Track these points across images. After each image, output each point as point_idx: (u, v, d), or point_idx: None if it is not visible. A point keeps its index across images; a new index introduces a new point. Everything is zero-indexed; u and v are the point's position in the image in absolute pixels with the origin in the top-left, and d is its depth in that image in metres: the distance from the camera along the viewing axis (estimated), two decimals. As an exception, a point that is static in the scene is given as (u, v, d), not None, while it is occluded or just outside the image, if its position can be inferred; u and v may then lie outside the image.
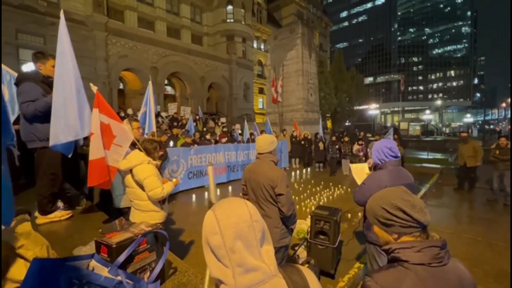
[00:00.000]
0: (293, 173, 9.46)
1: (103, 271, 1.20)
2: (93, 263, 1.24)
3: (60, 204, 2.84)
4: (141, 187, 2.15)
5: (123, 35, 15.49)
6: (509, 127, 36.87)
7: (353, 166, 2.78)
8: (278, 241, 2.16)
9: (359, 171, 2.63)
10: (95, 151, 2.30)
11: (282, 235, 2.18)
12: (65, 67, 2.37)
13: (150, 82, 5.34)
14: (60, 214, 2.76)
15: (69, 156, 2.65)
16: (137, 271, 1.38)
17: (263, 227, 0.66)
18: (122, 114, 11.23)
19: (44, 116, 2.49)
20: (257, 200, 2.21)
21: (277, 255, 2.22)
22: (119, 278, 1.19)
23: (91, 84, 2.45)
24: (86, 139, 3.01)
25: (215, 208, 0.66)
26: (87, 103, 2.54)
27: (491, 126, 48.72)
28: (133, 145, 2.46)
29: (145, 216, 2.18)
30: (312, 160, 10.63)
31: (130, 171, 2.19)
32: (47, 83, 2.62)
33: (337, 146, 9.31)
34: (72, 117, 2.38)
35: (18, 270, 1.38)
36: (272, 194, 2.12)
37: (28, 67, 10.62)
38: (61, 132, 2.36)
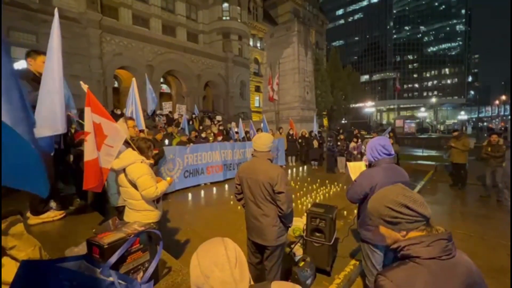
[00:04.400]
0: (289, 171, 9.48)
1: (95, 272, 1.18)
2: (84, 264, 1.22)
3: (53, 204, 2.80)
4: (135, 186, 2.12)
5: (117, 33, 15.27)
6: (503, 123, 37.39)
7: (350, 164, 2.78)
8: (276, 239, 2.16)
9: (356, 169, 2.61)
10: (90, 152, 2.23)
11: (279, 233, 2.18)
12: (52, 62, 2.35)
13: (133, 79, 5.22)
14: (53, 214, 2.71)
15: (51, 154, 2.61)
16: (130, 272, 1.36)
17: (237, 254, 0.77)
18: (119, 112, 11.12)
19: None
20: (255, 199, 2.19)
21: (275, 254, 2.22)
22: (111, 279, 1.17)
23: (81, 82, 2.39)
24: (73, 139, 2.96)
25: (197, 250, 0.79)
26: (64, 101, 2.49)
27: (485, 124, 49.33)
28: (127, 143, 2.42)
29: (139, 215, 2.16)
30: (309, 158, 10.66)
31: (124, 170, 2.16)
32: (37, 81, 2.57)
33: (338, 143, 9.33)
34: (53, 111, 2.34)
35: (9, 272, 1.35)
36: (271, 193, 2.10)
37: (20, 65, 10.43)
38: (40, 126, 2.29)
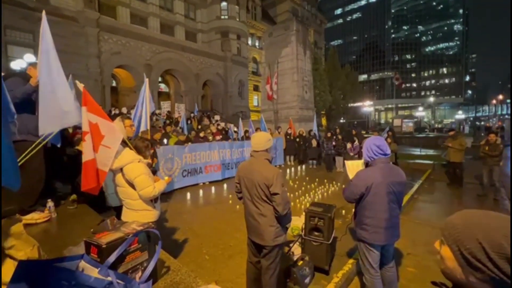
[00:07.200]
0: (288, 170, 9.50)
1: (93, 272, 1.18)
2: (82, 264, 1.21)
3: (50, 204, 2.78)
4: (132, 186, 2.12)
5: (115, 32, 15.22)
6: (500, 123, 37.63)
7: (348, 163, 2.78)
8: (273, 239, 2.14)
9: (354, 168, 2.62)
10: (88, 152, 2.21)
11: (277, 233, 2.15)
12: (50, 63, 2.39)
13: (147, 80, 5.25)
14: (37, 216, 2.62)
15: (58, 145, 2.72)
16: (128, 271, 1.36)
17: None
18: (117, 112, 11.09)
19: (24, 107, 2.48)
20: (252, 198, 2.18)
21: (272, 254, 2.21)
22: (109, 278, 1.17)
23: (77, 81, 2.39)
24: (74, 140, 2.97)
25: None
26: (71, 95, 2.55)
27: (482, 123, 49.66)
28: (124, 143, 2.41)
29: (137, 215, 2.15)
30: (307, 157, 10.68)
31: (121, 170, 2.16)
32: None
33: (334, 143, 9.34)
34: (61, 106, 2.40)
35: (7, 271, 1.35)
36: (267, 193, 2.07)
37: (17, 64, 10.36)
38: (48, 122, 2.38)
